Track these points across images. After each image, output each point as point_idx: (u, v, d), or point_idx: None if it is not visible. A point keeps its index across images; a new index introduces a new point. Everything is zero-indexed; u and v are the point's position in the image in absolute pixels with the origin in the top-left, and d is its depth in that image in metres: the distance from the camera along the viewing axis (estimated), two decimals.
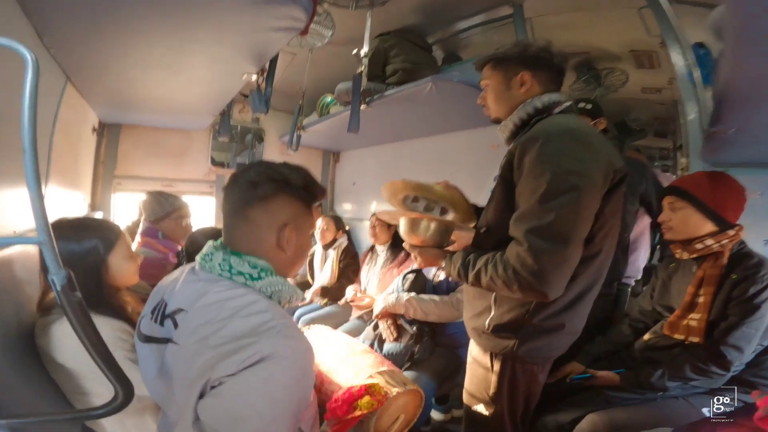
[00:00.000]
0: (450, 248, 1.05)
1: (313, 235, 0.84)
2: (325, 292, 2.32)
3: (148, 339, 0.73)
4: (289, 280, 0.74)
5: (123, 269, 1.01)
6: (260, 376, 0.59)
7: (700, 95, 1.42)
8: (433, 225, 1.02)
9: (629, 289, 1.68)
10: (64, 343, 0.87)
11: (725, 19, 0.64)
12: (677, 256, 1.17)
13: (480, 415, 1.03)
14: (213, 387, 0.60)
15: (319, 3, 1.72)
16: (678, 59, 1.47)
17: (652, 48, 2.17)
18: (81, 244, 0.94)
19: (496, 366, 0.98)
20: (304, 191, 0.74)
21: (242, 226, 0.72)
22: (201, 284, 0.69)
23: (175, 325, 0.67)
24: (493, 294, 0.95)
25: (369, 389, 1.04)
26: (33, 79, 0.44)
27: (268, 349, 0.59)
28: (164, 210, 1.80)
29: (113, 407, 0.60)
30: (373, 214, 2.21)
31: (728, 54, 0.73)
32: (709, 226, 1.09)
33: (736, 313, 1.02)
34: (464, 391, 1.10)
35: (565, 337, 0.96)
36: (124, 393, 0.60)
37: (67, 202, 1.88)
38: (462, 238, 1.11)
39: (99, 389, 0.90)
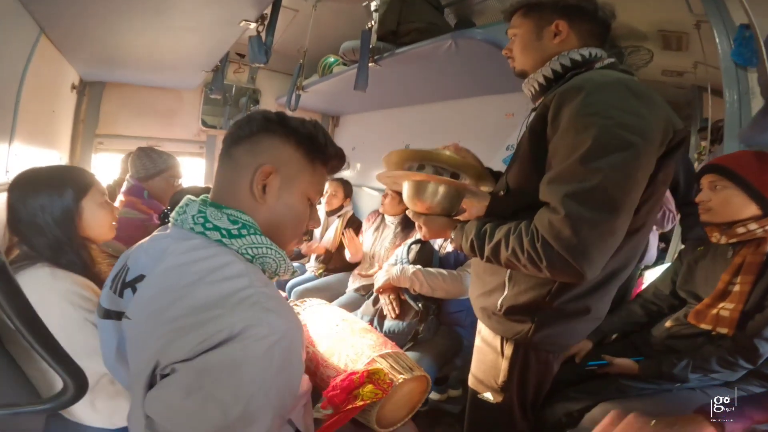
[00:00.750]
0: (460, 217, 0.93)
1: (306, 205, 0.72)
2: (327, 257, 2.23)
3: (107, 314, 0.60)
4: None
5: (97, 217, 0.93)
6: (225, 361, 0.45)
7: (743, 76, 1.36)
8: (441, 188, 0.89)
9: (639, 272, 1.64)
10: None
11: None
12: (713, 240, 1.10)
13: (486, 402, 0.95)
14: (163, 375, 0.46)
15: None
16: (722, 38, 1.40)
17: (684, 29, 2.09)
18: (52, 191, 0.87)
19: (508, 352, 0.89)
20: (307, 140, 0.63)
21: (224, 166, 0.62)
22: (165, 241, 0.57)
23: (134, 293, 0.55)
24: (509, 270, 0.84)
25: (372, 376, 0.93)
26: None
27: (240, 324, 0.46)
28: (156, 167, 1.67)
29: (61, 401, 0.47)
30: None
31: None
32: (753, 209, 1.01)
33: None
34: (471, 375, 1.02)
35: (588, 323, 0.87)
36: (76, 384, 0.46)
37: (41, 160, 1.75)
38: (474, 206, 0.99)
39: None
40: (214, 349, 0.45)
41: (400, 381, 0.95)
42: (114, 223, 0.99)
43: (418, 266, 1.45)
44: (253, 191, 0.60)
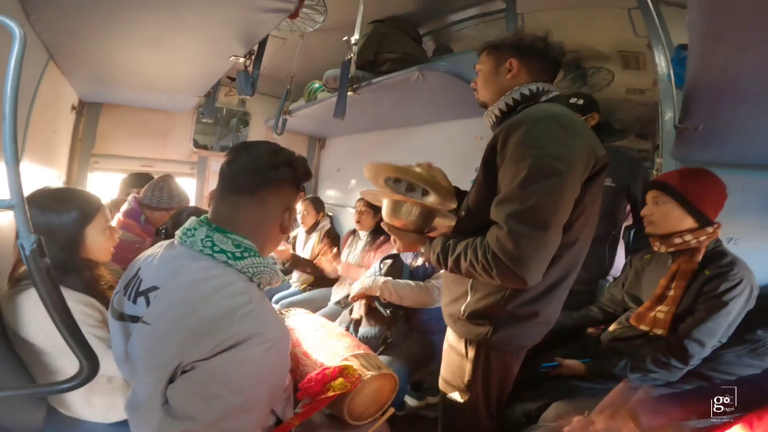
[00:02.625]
0: (430, 234, 1.05)
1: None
2: (294, 261, 2.29)
3: (120, 316, 0.71)
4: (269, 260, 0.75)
5: (99, 243, 0.98)
6: (235, 359, 0.58)
7: (678, 95, 1.42)
8: (416, 209, 1.01)
9: (607, 285, 1.71)
10: (30, 316, 0.84)
11: (691, 15, 0.65)
12: (655, 248, 1.19)
13: (455, 402, 1.03)
14: (184, 371, 0.59)
15: None
16: (660, 59, 1.50)
17: (640, 49, 2.20)
18: (60, 214, 0.91)
19: (471, 353, 0.99)
20: (303, 178, 0.77)
21: (252, 205, 0.71)
22: (178, 261, 0.68)
23: (148, 303, 0.66)
24: (471, 280, 0.94)
25: (343, 371, 1.05)
26: (19, 51, 0.46)
27: (245, 333, 0.58)
28: (170, 203, 1.76)
29: (78, 381, 0.59)
30: (360, 199, 2.22)
31: (694, 50, 0.75)
32: (690, 222, 1.11)
33: (704, 308, 1.04)
34: (440, 377, 1.11)
35: (538, 326, 0.96)
36: (89, 367, 0.58)
37: (41, 178, 1.82)
38: (443, 225, 1.10)
39: (64, 367, 0.87)
40: (225, 352, 0.57)
41: (367, 376, 1.07)
42: (112, 249, 1.03)
43: (389, 278, 1.58)
44: (284, 229, 0.76)
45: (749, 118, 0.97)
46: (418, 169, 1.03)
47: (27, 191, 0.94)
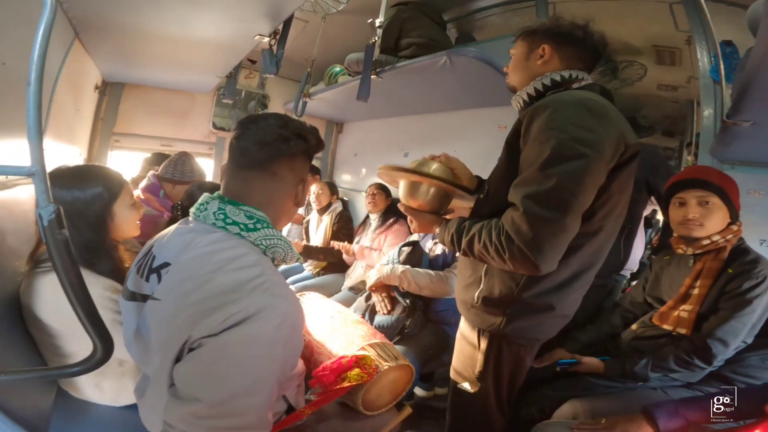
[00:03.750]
0: (447, 216, 1.03)
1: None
2: (306, 252, 2.30)
3: (132, 296, 0.70)
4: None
5: (127, 218, 0.98)
6: (243, 338, 0.55)
7: (719, 92, 1.41)
8: (432, 190, 0.99)
9: (625, 281, 1.67)
10: (48, 296, 0.83)
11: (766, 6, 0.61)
12: (679, 251, 1.14)
13: (465, 392, 1.02)
14: (192, 349, 0.56)
15: None
16: (703, 55, 1.47)
17: (677, 44, 2.13)
18: (85, 191, 0.89)
19: (483, 344, 0.97)
20: (315, 149, 0.76)
21: (264, 179, 0.70)
22: (190, 236, 0.66)
23: (159, 279, 0.64)
24: (485, 265, 0.92)
25: (359, 361, 1.02)
26: (49, 19, 0.44)
27: (254, 307, 0.55)
28: (191, 177, 1.79)
29: (91, 364, 0.56)
30: (372, 183, 2.23)
31: (761, 44, 0.70)
32: (727, 221, 1.07)
33: (728, 307, 1.01)
34: (451, 367, 1.09)
35: (554, 320, 0.94)
36: (103, 349, 0.56)
37: (62, 155, 1.85)
38: (460, 208, 1.08)
39: (79, 351, 0.86)
40: (234, 327, 0.54)
41: (385, 368, 1.04)
42: (138, 222, 1.03)
43: (407, 266, 1.55)
44: (299, 202, 0.75)
45: None
46: (435, 165, 1.00)
47: (49, 167, 0.96)
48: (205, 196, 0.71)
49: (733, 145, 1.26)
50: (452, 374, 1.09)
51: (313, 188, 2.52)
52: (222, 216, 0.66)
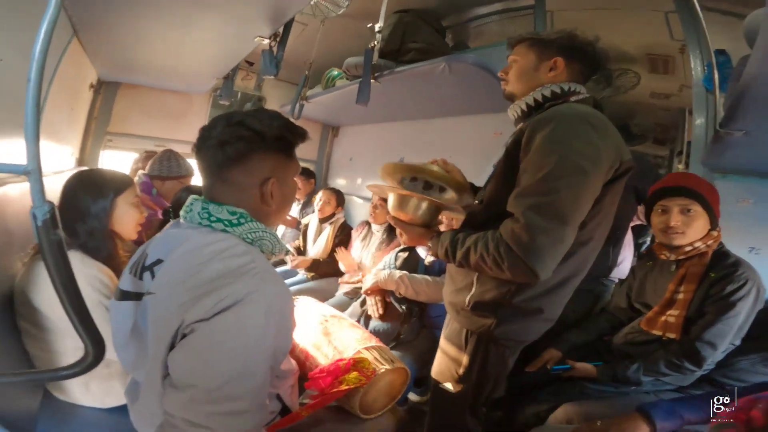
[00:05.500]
0: (439, 228, 1.04)
1: (296, 186, 0.82)
2: (315, 266, 2.30)
3: (124, 295, 0.70)
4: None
5: (127, 214, 1.03)
6: (234, 320, 0.56)
7: (712, 101, 1.43)
8: (423, 204, 0.99)
9: (614, 286, 1.68)
10: (47, 284, 0.84)
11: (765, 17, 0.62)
12: (662, 257, 1.17)
13: (446, 392, 1.04)
14: (184, 335, 0.58)
15: None
16: (696, 64, 1.50)
17: (670, 53, 2.17)
18: (99, 190, 0.98)
19: (470, 346, 0.99)
20: (279, 142, 0.70)
21: (221, 186, 0.69)
22: (180, 234, 0.68)
23: (153, 276, 0.65)
24: (474, 274, 0.94)
25: (357, 364, 1.02)
26: (53, 15, 0.44)
27: (244, 290, 0.57)
28: (179, 172, 1.78)
29: (83, 367, 0.57)
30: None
31: (759, 53, 0.71)
32: (707, 229, 1.10)
33: (713, 310, 1.03)
34: (433, 368, 1.10)
35: (541, 323, 0.96)
36: (95, 352, 0.56)
37: (54, 154, 1.82)
38: (451, 219, 1.09)
39: (68, 349, 0.87)
40: (225, 311, 0.56)
41: (382, 371, 1.04)
42: (139, 227, 1.07)
43: (405, 271, 1.55)
44: (267, 202, 0.70)
45: None
46: (434, 167, 1.01)
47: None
48: (191, 198, 0.72)
49: (725, 154, 1.29)
50: (434, 374, 1.09)
51: (319, 195, 2.46)
52: (206, 215, 0.67)
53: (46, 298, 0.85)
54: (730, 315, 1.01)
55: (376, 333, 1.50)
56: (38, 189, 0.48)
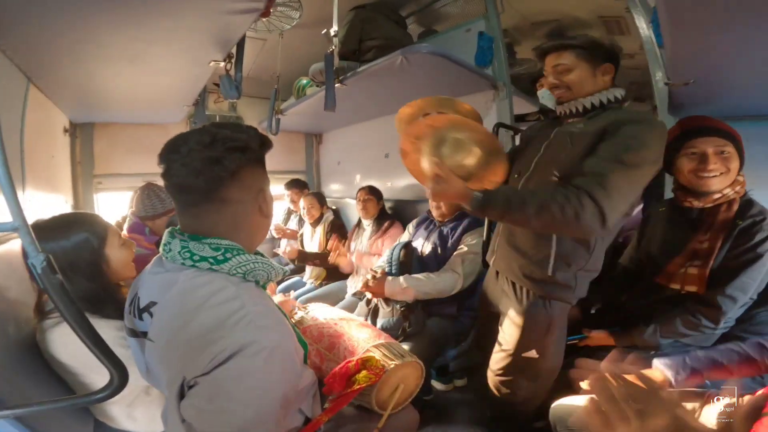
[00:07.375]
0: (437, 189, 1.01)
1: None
2: (302, 256, 2.37)
3: (134, 333, 0.71)
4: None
5: (121, 259, 0.98)
6: (233, 373, 0.55)
7: (661, 55, 1.44)
8: (479, 151, 1.08)
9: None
10: (61, 344, 0.86)
11: None
12: (686, 205, 1.09)
13: (530, 359, 1.16)
14: (190, 387, 0.57)
15: None
16: (641, 22, 1.49)
17: (620, 13, 2.17)
18: (70, 239, 0.89)
19: (550, 310, 1.14)
20: (261, 150, 0.69)
21: (216, 210, 0.65)
22: (167, 275, 0.65)
23: (151, 317, 0.65)
24: (553, 245, 1.08)
25: (365, 363, 1.03)
26: None
27: (238, 343, 0.55)
28: (164, 207, 1.75)
29: (110, 391, 0.60)
30: (362, 189, 2.25)
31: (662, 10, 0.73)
32: (737, 173, 1.03)
33: (738, 261, 0.98)
34: (506, 336, 1.21)
35: (591, 280, 1.15)
36: (119, 376, 0.59)
37: (49, 205, 1.84)
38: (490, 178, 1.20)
39: (100, 381, 0.87)
40: (223, 364, 0.55)
41: (391, 366, 1.06)
42: (132, 261, 1.03)
43: (405, 276, 1.59)
44: (265, 212, 0.70)
45: (736, 69, 0.96)
46: (467, 105, 1.11)
47: (36, 218, 0.93)
48: (166, 233, 0.68)
49: (686, 105, 1.30)
50: (512, 344, 1.19)
51: (302, 203, 2.55)
52: (188, 255, 0.63)
53: (70, 355, 0.86)
54: (756, 267, 0.96)
55: (384, 329, 1.53)
56: (29, 241, 0.50)
